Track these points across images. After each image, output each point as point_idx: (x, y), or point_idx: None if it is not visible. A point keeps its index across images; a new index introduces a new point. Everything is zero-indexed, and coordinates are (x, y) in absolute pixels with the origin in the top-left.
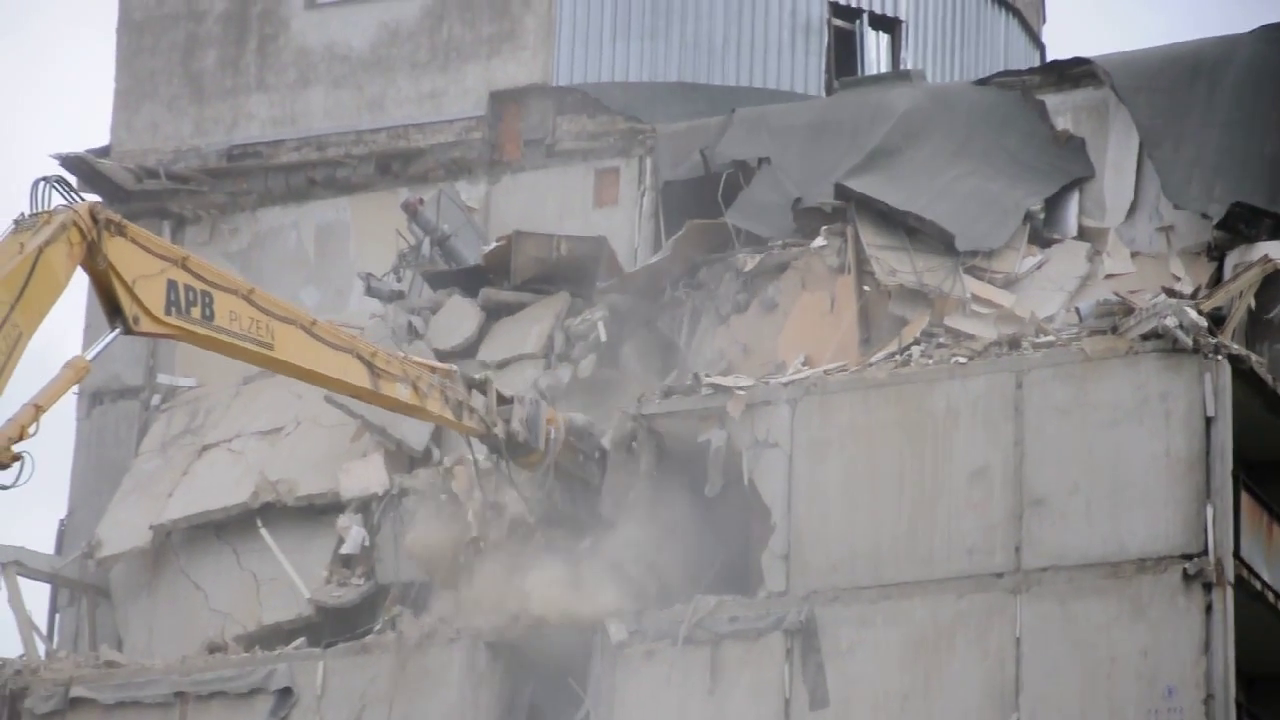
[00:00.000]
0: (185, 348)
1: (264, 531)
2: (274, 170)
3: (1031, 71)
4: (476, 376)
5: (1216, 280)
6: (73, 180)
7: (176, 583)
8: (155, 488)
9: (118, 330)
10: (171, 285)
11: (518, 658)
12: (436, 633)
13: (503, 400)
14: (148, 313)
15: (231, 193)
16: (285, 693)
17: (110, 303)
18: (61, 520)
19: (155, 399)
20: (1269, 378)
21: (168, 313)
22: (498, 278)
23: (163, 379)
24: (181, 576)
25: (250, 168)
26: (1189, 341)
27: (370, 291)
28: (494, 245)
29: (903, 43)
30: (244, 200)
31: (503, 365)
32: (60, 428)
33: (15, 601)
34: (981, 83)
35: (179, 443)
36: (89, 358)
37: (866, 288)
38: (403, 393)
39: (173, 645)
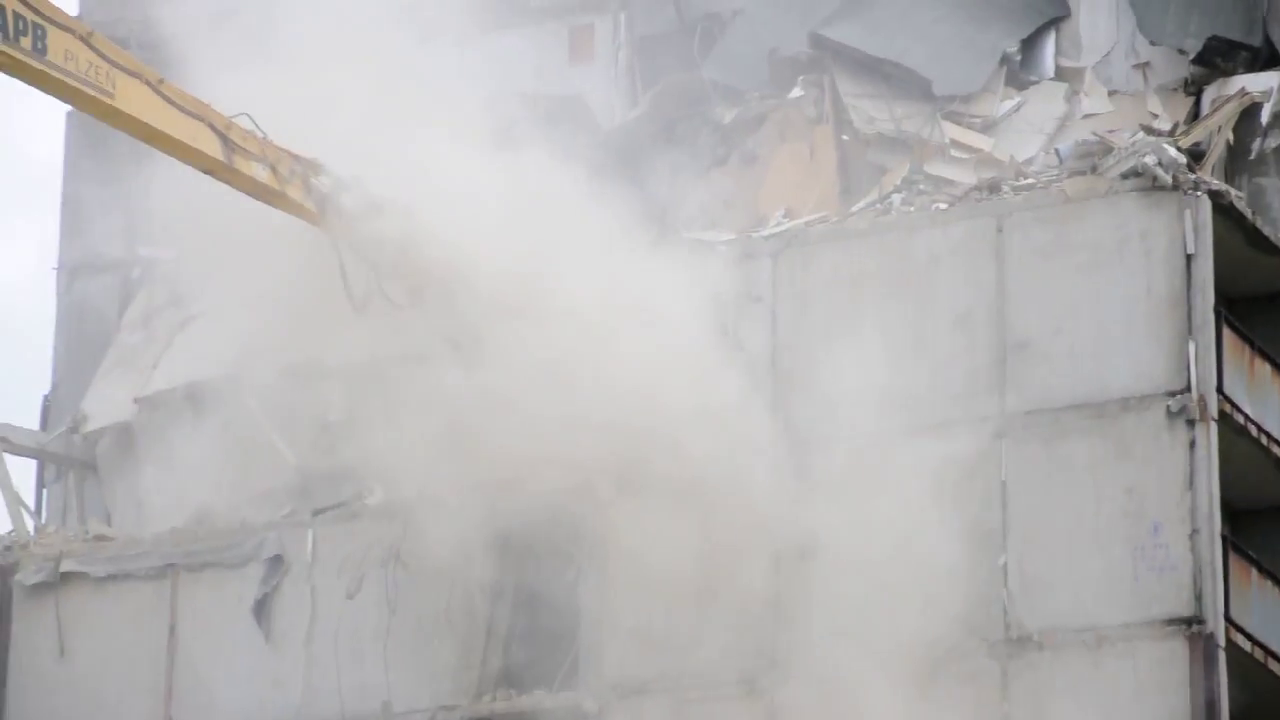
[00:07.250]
0: (166, 220)
1: (249, 401)
2: None
3: None
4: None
5: (1194, 116)
6: None
7: (163, 455)
8: (139, 361)
9: None
10: None
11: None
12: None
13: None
14: None
15: None
16: (276, 560)
17: None
18: (45, 395)
19: (136, 272)
20: (1249, 212)
21: None
22: None
23: (143, 252)
24: (168, 448)
25: None
26: (1168, 179)
27: None
28: None
29: None
30: None
31: None
32: (41, 303)
33: (2, 477)
34: None
35: (161, 315)
36: None
37: (845, 137)
38: (260, 173)
39: (161, 517)
